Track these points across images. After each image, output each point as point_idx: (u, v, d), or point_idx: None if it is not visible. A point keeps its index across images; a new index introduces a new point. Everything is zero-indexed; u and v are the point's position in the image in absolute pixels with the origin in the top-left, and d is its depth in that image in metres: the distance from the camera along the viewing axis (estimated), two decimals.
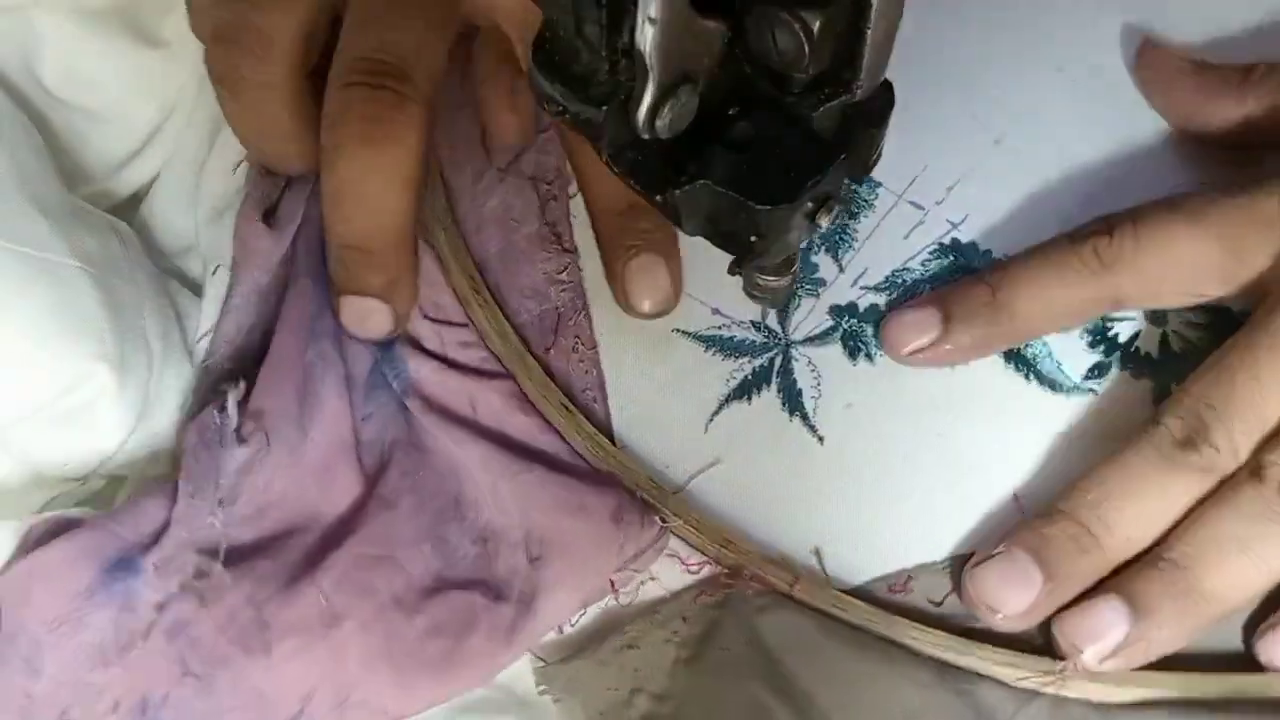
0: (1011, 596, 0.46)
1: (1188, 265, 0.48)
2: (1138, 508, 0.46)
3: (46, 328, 0.45)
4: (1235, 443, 0.45)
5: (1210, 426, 0.45)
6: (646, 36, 0.33)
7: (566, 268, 0.53)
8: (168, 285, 0.53)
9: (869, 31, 0.35)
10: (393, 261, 0.49)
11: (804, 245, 0.50)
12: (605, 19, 0.34)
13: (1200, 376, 0.47)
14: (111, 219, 0.52)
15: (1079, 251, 0.49)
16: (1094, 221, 0.50)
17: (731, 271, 0.42)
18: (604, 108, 0.36)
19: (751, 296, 0.46)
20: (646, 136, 0.35)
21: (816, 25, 0.34)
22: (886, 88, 0.37)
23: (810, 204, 0.37)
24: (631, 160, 0.37)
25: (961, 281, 0.51)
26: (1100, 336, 0.51)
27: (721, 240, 0.39)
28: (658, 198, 0.37)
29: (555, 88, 0.36)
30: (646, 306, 0.51)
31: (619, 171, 0.37)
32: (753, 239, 0.38)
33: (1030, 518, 0.47)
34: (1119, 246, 0.48)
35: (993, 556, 0.46)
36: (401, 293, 0.50)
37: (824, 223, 0.38)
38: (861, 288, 0.52)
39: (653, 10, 0.33)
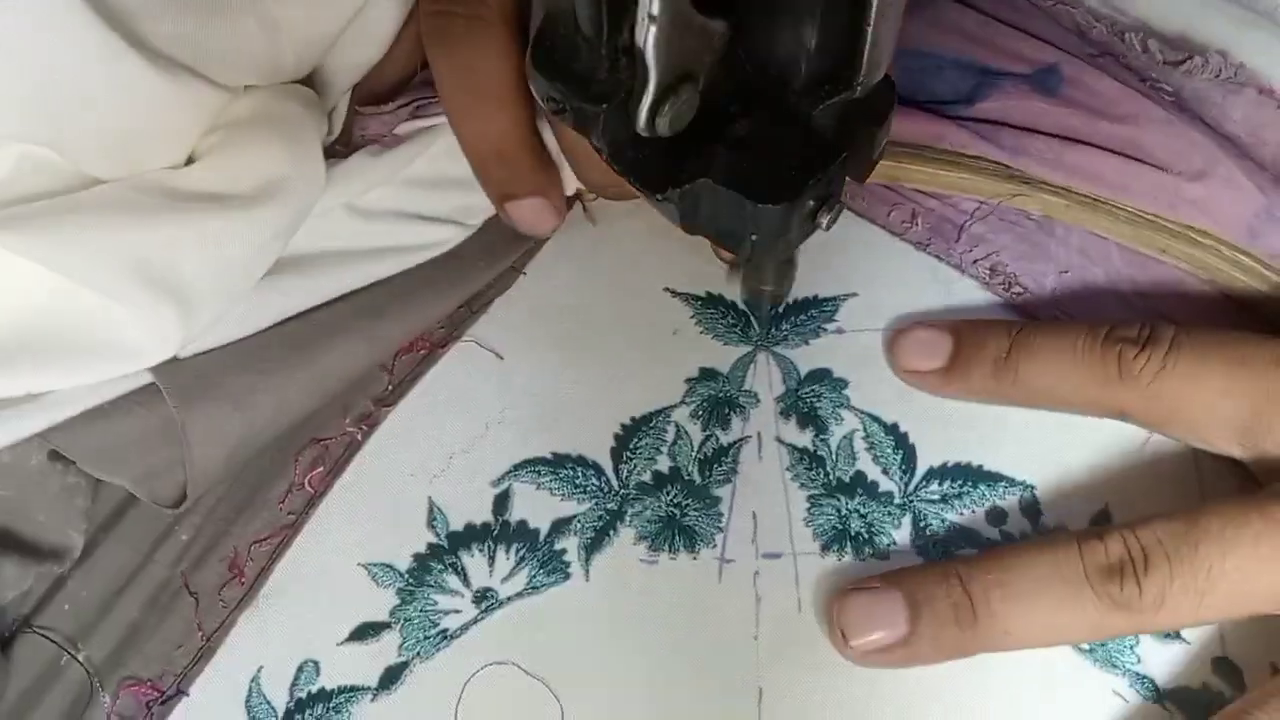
0: (869, 631, 0.45)
1: (1204, 410, 0.45)
2: (1029, 611, 0.43)
3: None
4: (1165, 597, 0.42)
5: (1152, 565, 0.42)
6: (647, 34, 0.33)
7: None
8: None
9: (869, 30, 0.34)
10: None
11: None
12: (606, 16, 0.34)
13: (1164, 517, 0.43)
14: None
15: (1103, 351, 0.46)
16: (1134, 324, 0.46)
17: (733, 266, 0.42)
18: (604, 105, 0.36)
19: (747, 303, 0.47)
20: (647, 134, 0.35)
21: (816, 23, 0.34)
22: (888, 86, 0.37)
23: (811, 203, 0.37)
24: (631, 158, 0.37)
25: (983, 325, 0.49)
26: None
27: (722, 238, 0.39)
28: (658, 196, 0.37)
29: (555, 85, 0.36)
30: None
31: (619, 169, 0.37)
32: (753, 237, 0.38)
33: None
34: (1142, 364, 0.45)
35: (870, 588, 0.45)
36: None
37: (824, 221, 0.38)
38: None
39: (653, 8, 0.32)
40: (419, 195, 0.50)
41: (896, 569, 0.47)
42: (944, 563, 0.46)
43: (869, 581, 0.46)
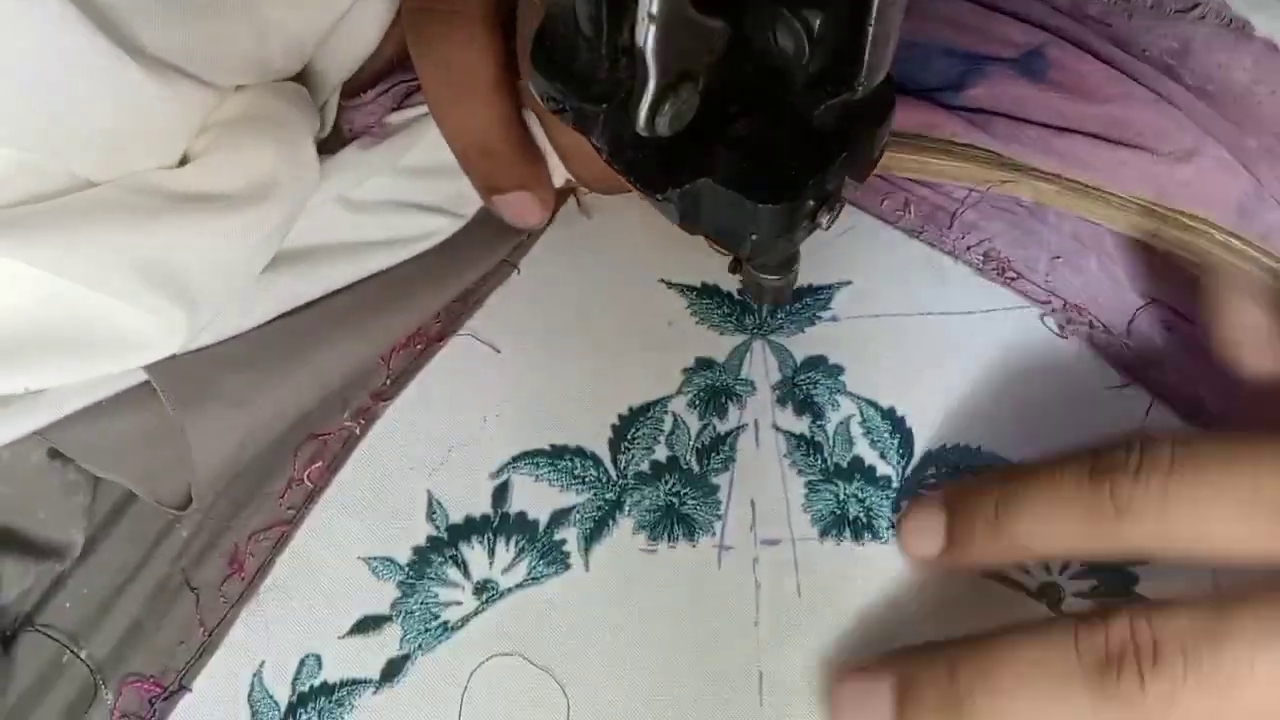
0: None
1: (1210, 525, 0.39)
2: (1010, 707, 0.39)
3: None
4: (1175, 697, 0.36)
5: (1163, 658, 0.37)
6: (647, 34, 0.33)
7: None
8: None
9: (871, 29, 0.34)
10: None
11: None
12: (606, 16, 0.34)
13: (1187, 605, 0.38)
14: None
15: (1093, 489, 0.41)
16: (1121, 450, 0.41)
17: (732, 270, 0.42)
18: (604, 105, 0.36)
19: (753, 297, 0.47)
20: (647, 134, 0.35)
21: (817, 23, 0.34)
22: (887, 85, 0.37)
23: (811, 202, 0.37)
24: (631, 158, 0.37)
25: (971, 489, 0.46)
26: None
27: (722, 238, 0.39)
28: (658, 196, 0.37)
29: (555, 85, 0.36)
30: None
31: (618, 169, 0.37)
32: (753, 237, 0.38)
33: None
34: (1143, 494, 0.40)
35: (862, 673, 0.43)
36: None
37: (824, 221, 0.38)
38: None
39: (653, 7, 0.32)
40: (412, 184, 0.50)
41: (895, 650, 0.44)
42: (938, 645, 0.42)
43: (859, 673, 0.44)
